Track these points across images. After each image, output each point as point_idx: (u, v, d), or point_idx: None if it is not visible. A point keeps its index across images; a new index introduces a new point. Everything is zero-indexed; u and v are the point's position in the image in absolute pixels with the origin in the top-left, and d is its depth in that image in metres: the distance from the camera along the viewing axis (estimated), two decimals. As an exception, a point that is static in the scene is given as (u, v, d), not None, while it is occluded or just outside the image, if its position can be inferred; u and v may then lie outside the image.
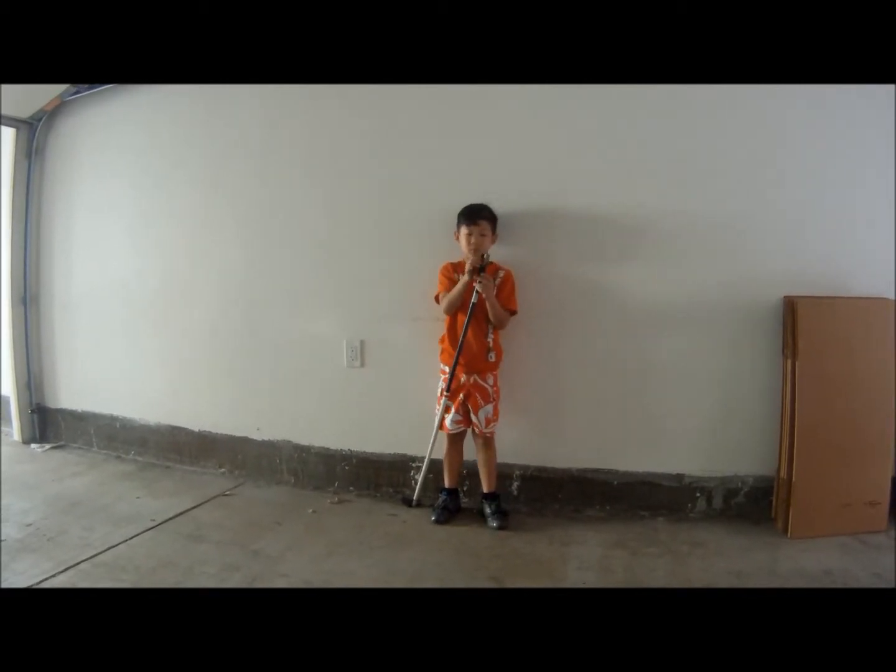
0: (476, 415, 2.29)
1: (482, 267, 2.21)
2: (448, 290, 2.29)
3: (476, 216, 2.25)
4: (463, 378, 2.30)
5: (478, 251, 2.22)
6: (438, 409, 2.34)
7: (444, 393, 2.31)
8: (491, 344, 2.30)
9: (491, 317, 2.25)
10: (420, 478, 2.43)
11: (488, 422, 2.30)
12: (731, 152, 2.23)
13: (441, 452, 2.39)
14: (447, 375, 2.30)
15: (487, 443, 2.33)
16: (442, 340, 2.35)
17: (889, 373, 2.15)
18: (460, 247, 2.29)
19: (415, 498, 2.45)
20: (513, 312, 2.29)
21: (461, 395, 2.30)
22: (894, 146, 2.14)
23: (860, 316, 2.16)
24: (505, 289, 2.29)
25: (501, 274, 2.30)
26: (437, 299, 2.34)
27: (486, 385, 2.30)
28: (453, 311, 2.29)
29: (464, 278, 2.23)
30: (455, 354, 2.26)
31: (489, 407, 2.30)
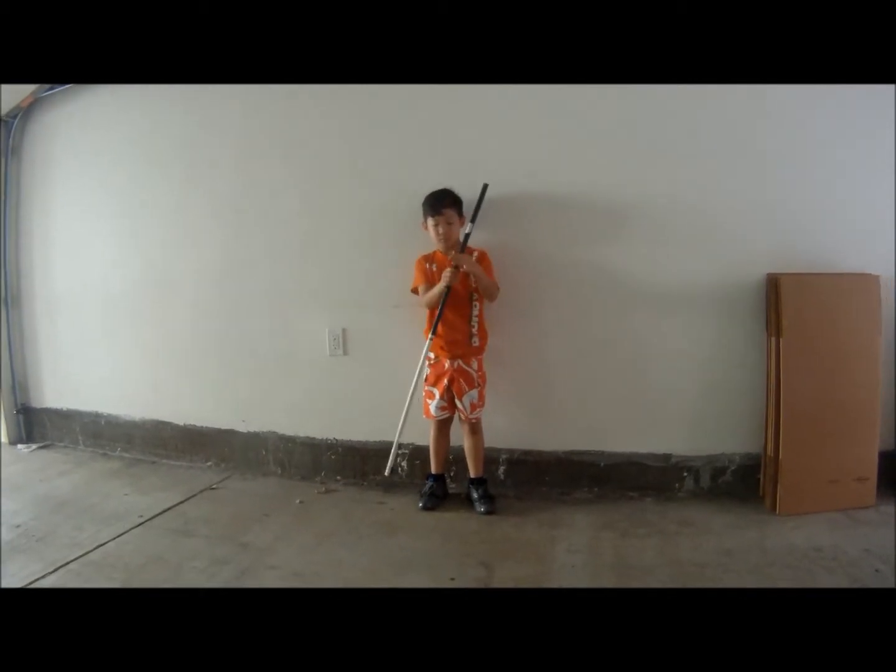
0: (461, 400, 2.27)
1: (461, 247, 2.21)
2: (424, 282, 2.28)
3: (439, 205, 2.22)
4: (447, 364, 2.29)
5: (448, 242, 2.22)
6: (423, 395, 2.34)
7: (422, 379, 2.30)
8: (475, 330, 2.28)
9: (481, 290, 2.24)
10: (392, 452, 2.30)
11: (473, 407, 2.28)
12: (712, 133, 2.22)
13: (427, 439, 2.38)
14: (431, 362, 2.31)
15: (474, 428, 2.31)
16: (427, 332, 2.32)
17: (874, 348, 2.15)
18: (430, 236, 2.27)
19: (388, 466, 2.30)
20: None
21: (445, 381, 2.28)
22: (891, 131, 2.13)
23: (844, 292, 2.16)
24: (483, 268, 2.25)
25: (475, 255, 2.26)
26: (415, 290, 2.33)
27: (470, 370, 2.28)
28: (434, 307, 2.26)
29: (441, 284, 2.20)
30: (440, 341, 2.26)
31: (474, 392, 2.28)
